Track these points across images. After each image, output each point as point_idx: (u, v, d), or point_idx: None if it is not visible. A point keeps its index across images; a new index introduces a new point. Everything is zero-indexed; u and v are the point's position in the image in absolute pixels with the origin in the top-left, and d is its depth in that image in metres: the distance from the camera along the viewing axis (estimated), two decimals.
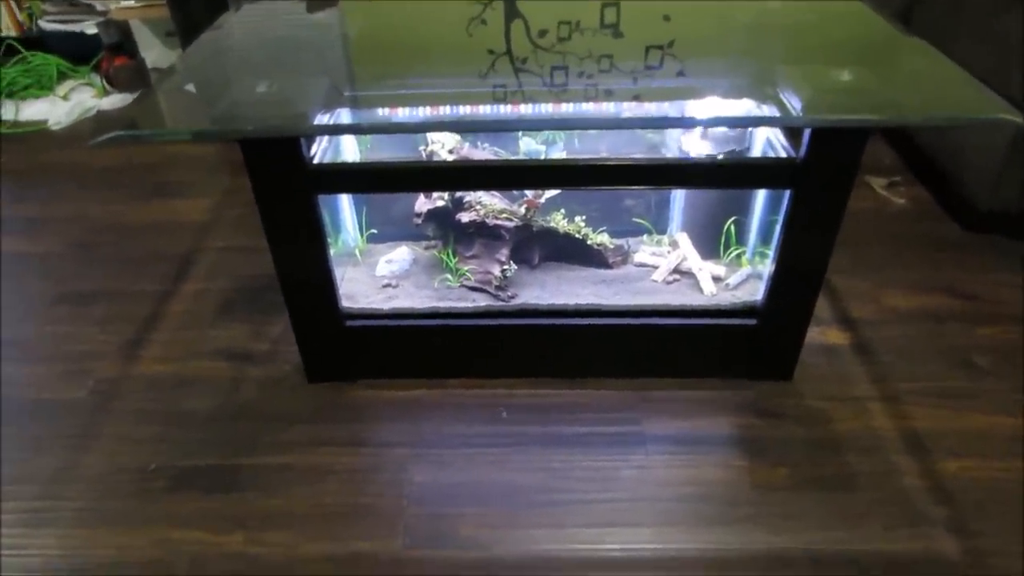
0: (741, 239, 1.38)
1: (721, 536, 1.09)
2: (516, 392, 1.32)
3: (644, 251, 1.44)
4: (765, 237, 1.31)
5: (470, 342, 1.32)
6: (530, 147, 1.43)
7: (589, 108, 1.21)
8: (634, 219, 1.47)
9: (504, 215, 1.37)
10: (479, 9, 1.29)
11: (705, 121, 1.27)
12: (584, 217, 1.42)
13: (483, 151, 1.42)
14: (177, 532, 1.12)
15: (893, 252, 1.65)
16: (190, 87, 1.20)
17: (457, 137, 1.39)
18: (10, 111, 2.36)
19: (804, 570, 1.05)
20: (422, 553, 1.08)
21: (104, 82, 2.47)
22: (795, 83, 1.08)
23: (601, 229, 1.43)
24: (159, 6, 2.28)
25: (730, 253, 1.39)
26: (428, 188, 1.35)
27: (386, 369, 1.34)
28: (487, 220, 1.37)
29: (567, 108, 1.19)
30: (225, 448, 1.24)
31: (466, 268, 1.37)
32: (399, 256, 1.43)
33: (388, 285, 1.38)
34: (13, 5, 2.50)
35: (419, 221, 1.41)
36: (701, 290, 1.35)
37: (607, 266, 1.41)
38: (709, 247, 1.40)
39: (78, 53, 2.52)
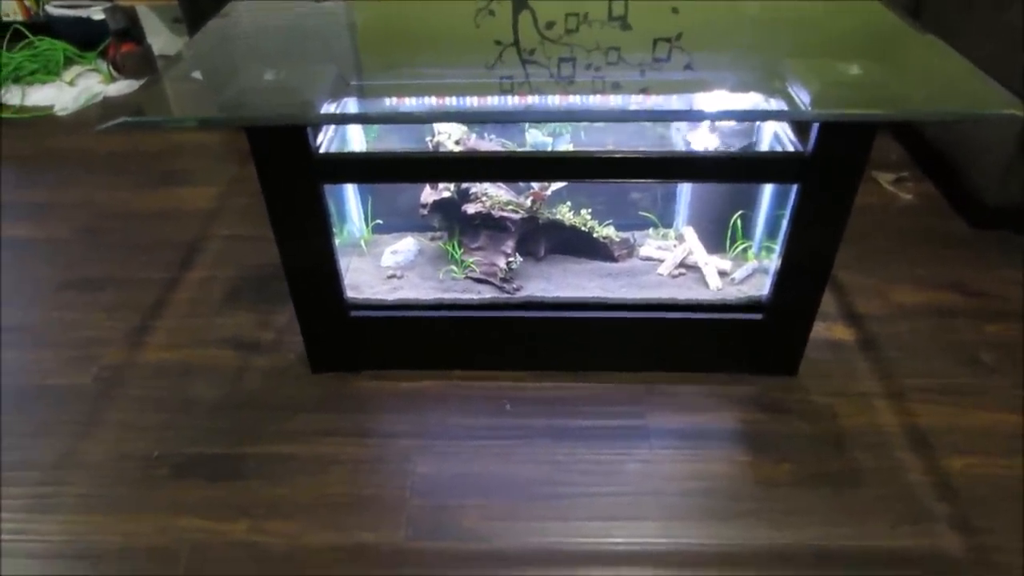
0: (748, 233, 1.38)
1: (725, 531, 1.09)
2: (521, 384, 1.32)
3: (650, 244, 1.44)
4: (772, 232, 1.31)
5: (475, 334, 1.32)
6: (537, 139, 1.43)
7: (596, 100, 1.20)
8: (640, 212, 1.46)
9: (510, 207, 1.37)
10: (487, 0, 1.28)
11: (713, 115, 1.26)
12: (590, 210, 1.42)
13: (490, 142, 1.42)
14: (181, 520, 1.12)
15: (900, 248, 1.64)
16: (197, 74, 1.20)
17: (464, 128, 1.39)
18: (16, 96, 2.36)
19: (807, 566, 1.05)
20: (425, 544, 1.08)
21: (111, 68, 2.47)
22: (803, 77, 1.07)
23: (607, 222, 1.42)
24: None
25: (736, 247, 1.39)
26: (434, 179, 1.34)
27: (390, 360, 1.34)
28: (493, 212, 1.36)
29: (574, 100, 1.19)
30: (229, 436, 1.24)
31: (471, 260, 1.37)
32: (404, 247, 1.42)
33: (393, 276, 1.38)
34: None
35: (425, 212, 1.41)
36: (707, 284, 1.35)
37: (613, 259, 1.41)
38: (715, 241, 1.40)
39: (85, 39, 2.52)
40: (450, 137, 1.37)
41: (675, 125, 1.43)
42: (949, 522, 1.09)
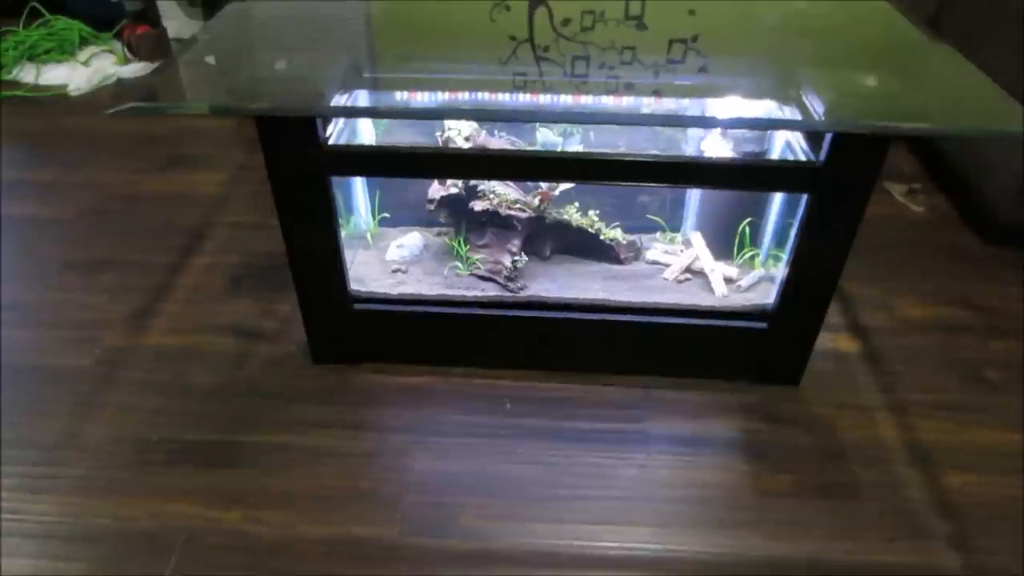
0: (755, 241, 1.37)
1: (719, 540, 1.08)
2: (521, 384, 1.31)
3: (657, 248, 1.43)
4: (780, 240, 1.30)
5: (477, 331, 1.31)
6: (547, 138, 1.42)
7: (609, 101, 1.19)
8: (648, 216, 1.46)
9: (517, 205, 1.36)
10: None
11: (725, 122, 1.25)
12: (598, 211, 1.41)
13: (499, 140, 1.41)
14: (175, 505, 1.12)
15: (909, 261, 1.63)
16: (210, 59, 1.19)
17: (474, 124, 1.38)
18: (31, 74, 2.36)
19: None
20: (419, 541, 1.07)
21: (125, 50, 2.46)
22: (818, 86, 1.07)
23: (614, 224, 1.42)
24: None
25: (743, 254, 1.38)
26: (443, 175, 1.34)
27: (391, 354, 1.34)
28: (500, 210, 1.36)
29: (587, 100, 1.18)
30: (227, 424, 1.24)
31: (476, 257, 1.36)
32: (410, 241, 1.42)
33: (398, 270, 1.37)
34: None
35: (432, 207, 1.40)
36: (712, 291, 1.34)
37: (619, 262, 1.40)
38: (722, 247, 1.39)
39: (101, 19, 2.52)
40: (460, 133, 1.37)
41: (687, 129, 1.42)
42: (947, 540, 1.08)
